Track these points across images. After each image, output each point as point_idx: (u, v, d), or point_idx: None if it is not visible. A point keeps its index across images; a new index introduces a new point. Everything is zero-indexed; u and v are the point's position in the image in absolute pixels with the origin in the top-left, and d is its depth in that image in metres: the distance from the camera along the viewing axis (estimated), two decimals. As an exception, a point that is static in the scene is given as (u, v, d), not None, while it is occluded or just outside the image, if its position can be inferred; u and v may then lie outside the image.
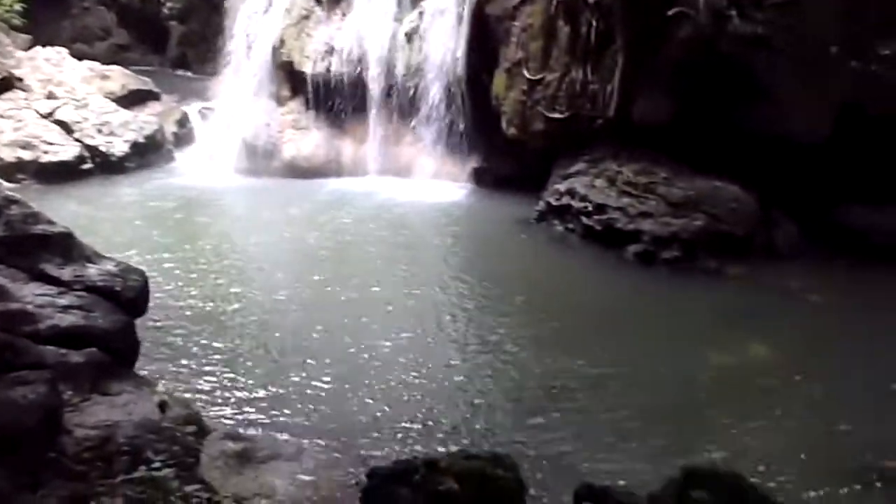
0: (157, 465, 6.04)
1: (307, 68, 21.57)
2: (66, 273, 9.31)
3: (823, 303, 14.41)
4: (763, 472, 9.10)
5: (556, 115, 18.75)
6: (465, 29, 20.34)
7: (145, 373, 9.67)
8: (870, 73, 16.88)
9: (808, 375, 11.68)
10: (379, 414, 10.25)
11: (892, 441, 9.95)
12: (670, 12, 16.41)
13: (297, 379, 10.97)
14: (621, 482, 8.66)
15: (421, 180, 20.78)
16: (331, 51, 21.43)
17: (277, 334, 12.22)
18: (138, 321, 9.67)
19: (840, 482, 9.16)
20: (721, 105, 16.86)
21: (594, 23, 18.06)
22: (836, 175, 17.29)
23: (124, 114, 21.82)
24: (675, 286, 14.94)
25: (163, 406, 7.68)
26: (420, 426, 10.03)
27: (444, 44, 20.58)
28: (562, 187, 17.65)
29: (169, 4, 32.09)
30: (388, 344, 12.13)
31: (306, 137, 21.54)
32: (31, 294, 8.71)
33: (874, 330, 13.24)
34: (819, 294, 14.68)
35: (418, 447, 9.44)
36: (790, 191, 17.13)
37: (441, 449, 9.21)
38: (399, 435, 9.82)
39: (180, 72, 31.55)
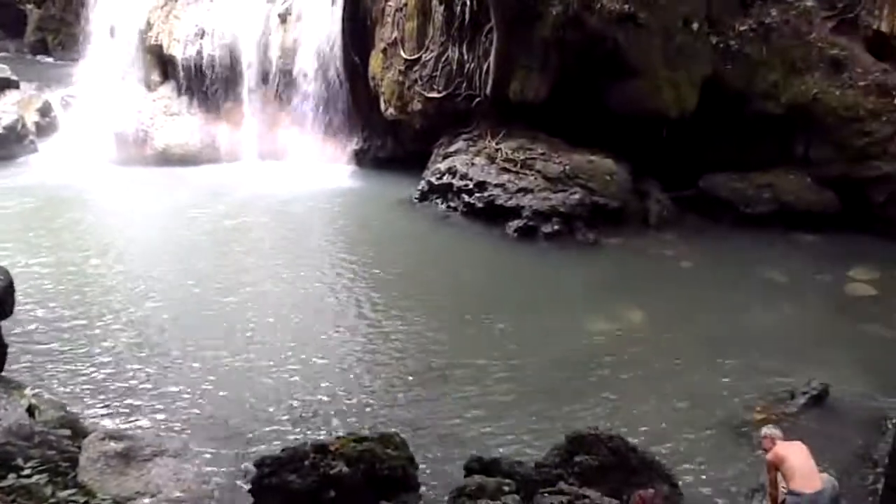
0: (28, 471, 5.74)
1: (177, 52, 20.83)
2: (-79, 275, 8.78)
3: (694, 268, 15.14)
4: (642, 433, 9.50)
5: (434, 95, 18.81)
6: (338, 9, 20.08)
7: (15, 377, 9.20)
8: (729, 49, 17.75)
9: (680, 337, 12.27)
10: (265, 403, 10.10)
11: (756, 390, 10.59)
12: (541, -9, 16.69)
13: (178, 374, 10.67)
14: (509, 452, 8.90)
15: (300, 164, 20.45)
16: (201, 33, 20.74)
17: (155, 331, 11.80)
18: (5, 323, 9.20)
19: (713, 434, 9.69)
20: (593, 82, 17.32)
21: (468, 2, 18.18)
22: (701, 147, 18.15)
23: (-20, 103, 20.52)
24: (555, 259, 15.33)
25: (34, 410, 7.32)
26: (308, 413, 9.95)
27: (318, 25, 20.27)
28: (442, 166, 17.78)
29: (24, -14, 30.30)
30: (271, 332, 11.96)
31: (179, 124, 20.82)
32: None
33: (738, 290, 14.06)
34: (689, 260, 15.41)
35: (307, 433, 9.37)
36: (661, 163, 17.85)
37: (330, 434, 9.16)
38: (287, 423, 9.72)
39: (40, 58, 29.86)
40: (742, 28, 17.86)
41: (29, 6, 31.14)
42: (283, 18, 20.59)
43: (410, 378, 10.91)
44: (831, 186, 17.13)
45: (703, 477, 8.87)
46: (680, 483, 8.22)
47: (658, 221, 17.06)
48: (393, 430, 8.62)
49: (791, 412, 10.10)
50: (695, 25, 17.38)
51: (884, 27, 17.99)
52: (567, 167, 16.69)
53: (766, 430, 8.03)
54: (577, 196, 16.24)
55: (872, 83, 17.27)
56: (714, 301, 13.58)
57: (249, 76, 20.83)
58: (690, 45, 17.36)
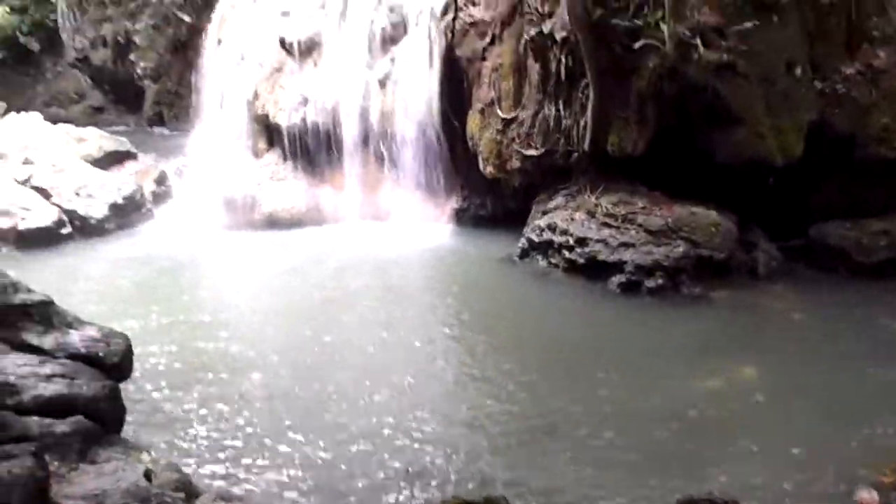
0: (146, 533, 5.98)
1: (282, 120, 21.70)
2: (48, 341, 9.30)
3: (807, 320, 14.53)
4: (758, 498, 9.08)
5: (532, 152, 18.92)
6: (436, 72, 20.57)
7: (133, 438, 9.57)
8: (835, 93, 17.24)
9: (797, 395, 11.73)
10: (375, 466, 10.14)
11: (882, 455, 9.97)
12: (636, 45, 16.68)
13: (287, 438, 10.83)
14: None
15: (401, 224, 20.84)
16: (305, 101, 21.58)
17: (268, 393, 12.06)
18: (124, 385, 9.62)
19: (826, 500, 9.15)
20: (693, 132, 17.10)
21: (563, 59, 18.33)
22: (810, 194, 17.58)
23: (102, 175, 21.80)
24: (660, 314, 15.00)
25: (151, 472, 7.60)
26: (414, 474, 9.93)
27: (417, 88, 20.79)
28: (542, 223, 17.75)
29: (143, 64, 32.26)
30: (376, 394, 12.04)
31: (285, 188, 21.59)
32: (12, 365, 8.66)
33: (858, 345, 13.36)
34: (802, 312, 14.81)
35: (414, 496, 9.36)
36: (767, 211, 17.36)
37: (438, 495, 9.12)
38: (393, 485, 9.72)
39: (157, 130, 31.67)
40: (848, 71, 17.34)
41: (147, 82, 33.12)
42: (383, 83, 21.21)
43: (515, 438, 10.78)
44: (954, 232, 16.27)
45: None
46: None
47: (767, 273, 16.50)
48: (499, 492, 8.52)
49: (922, 477, 9.48)
50: (798, 71, 16.97)
51: None
52: (669, 220, 16.40)
53: (863, 492, 7.37)
54: (680, 249, 15.91)
55: None
56: (831, 356, 12.95)
57: (350, 140, 21.47)
58: (794, 91, 16.94)
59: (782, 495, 9.31)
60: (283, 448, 10.52)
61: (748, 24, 16.45)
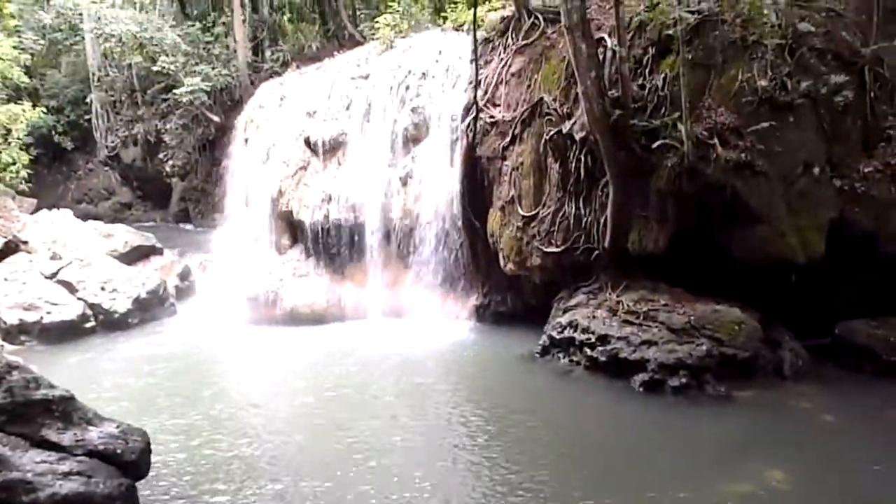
0: None
1: (306, 217, 22.08)
2: (67, 438, 9.26)
3: (837, 422, 14.17)
4: None
5: (553, 249, 19.03)
6: (457, 171, 20.96)
7: (148, 539, 9.39)
8: (855, 191, 17.32)
9: (828, 500, 11.36)
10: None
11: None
12: (654, 145, 16.95)
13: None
14: None
15: (422, 320, 20.86)
16: (328, 199, 22.00)
17: (286, 493, 11.88)
18: (141, 483, 9.51)
19: None
20: (714, 230, 17.17)
21: (582, 158, 18.64)
22: (834, 292, 17.45)
23: (127, 270, 22.18)
24: (684, 414, 14.71)
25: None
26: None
27: (438, 186, 21.16)
28: (563, 320, 17.69)
29: (171, 162, 33.21)
30: (399, 494, 11.80)
31: (307, 285, 21.79)
32: (30, 462, 8.63)
33: (888, 449, 12.97)
34: (830, 414, 14.47)
35: None
36: (792, 310, 17.20)
37: None
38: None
39: (182, 226, 32.28)
40: (867, 170, 17.47)
41: (174, 179, 34.00)
42: (405, 181, 21.61)
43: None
44: None
45: None
46: None
47: (793, 372, 16.23)
48: None
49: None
50: (816, 170, 17.12)
51: None
52: (692, 318, 16.29)
53: None
54: (704, 347, 15.74)
55: None
56: (863, 459, 12.56)
57: (372, 237, 21.76)
58: (813, 190, 17.04)
59: None
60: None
61: (764, 124, 16.72)
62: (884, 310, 16.84)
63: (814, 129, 17.38)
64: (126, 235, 24.08)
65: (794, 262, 16.63)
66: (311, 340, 19.84)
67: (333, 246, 22.04)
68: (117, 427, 9.74)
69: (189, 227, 31.98)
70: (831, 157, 17.56)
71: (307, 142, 22.82)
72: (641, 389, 15.59)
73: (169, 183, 34.01)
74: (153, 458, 10.32)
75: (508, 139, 20.34)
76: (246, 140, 24.45)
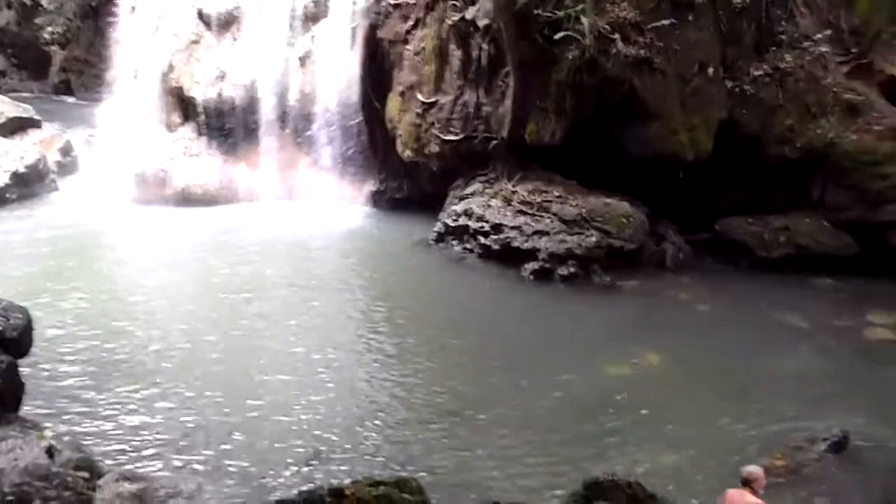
0: (46, 512, 5.77)
1: (198, 94, 21.14)
2: (-58, 314, 8.86)
3: (711, 311, 15.08)
4: (660, 479, 9.35)
5: (451, 137, 18.97)
6: (358, 53, 20.39)
7: (32, 416, 9.21)
8: (744, 94, 17.86)
9: (698, 382, 12.18)
10: (280, 447, 10.05)
11: (775, 437, 10.45)
12: (557, 36, 16.88)
13: (194, 418, 10.64)
14: (526, 498, 8.81)
15: (317, 204, 20.62)
16: (222, 76, 21.07)
17: (171, 374, 11.78)
18: (23, 362, 9.25)
19: (731, 481, 9.47)
20: (610, 125, 17.45)
21: (485, 46, 18.43)
22: (717, 190, 18.19)
23: (3, 143, 20.86)
24: (571, 301, 15.30)
25: (51, 450, 7.33)
26: (323, 457, 9.89)
27: (337, 68, 20.56)
28: (459, 208, 17.85)
29: (50, 29, 30.94)
30: (285, 376, 11.93)
31: (198, 164, 21.05)
32: None
33: (755, 336, 13.95)
34: (706, 303, 15.37)
35: (323, 477, 9.31)
36: (677, 205, 17.88)
37: (346, 478, 9.10)
38: (302, 467, 9.66)
39: (64, 98, 30.41)
40: (757, 73, 17.99)
41: (53, 48, 31.76)
42: (303, 62, 20.90)
43: (426, 422, 10.86)
44: (848, 230, 17.08)
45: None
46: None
47: (674, 264, 17.05)
48: (409, 474, 8.57)
49: (811, 459, 9.96)
50: (710, 70, 17.51)
51: (898, 72, 18.14)
52: (583, 210, 16.73)
53: (751, 468, 7.39)
54: (593, 239, 16.25)
55: (889, 128, 17.30)
56: (731, 345, 13.48)
57: (267, 118, 21.09)
58: (706, 90, 17.48)
59: (682, 473, 9.66)
60: (188, 429, 10.34)
61: (665, 22, 16.88)
62: (761, 209, 17.73)
63: (711, 29, 17.69)
64: (1, 105, 22.53)
65: (683, 160, 17.18)
66: (201, 222, 19.36)
67: (227, 125, 21.26)
68: (-3, 304, 9.34)
69: (71, 100, 30.10)
70: (725, 58, 17.98)
71: (200, 14, 21.62)
72: (532, 277, 16.06)
73: (47, 51, 31.80)
74: (35, 339, 10.02)
75: (411, 23, 19.85)
76: (133, 8, 22.91)
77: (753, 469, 7.25)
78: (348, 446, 10.16)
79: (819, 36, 18.27)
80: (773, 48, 18.30)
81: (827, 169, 17.38)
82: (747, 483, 6.99)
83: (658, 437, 10.55)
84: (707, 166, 17.43)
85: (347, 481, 8.31)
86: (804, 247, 17.01)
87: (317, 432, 10.41)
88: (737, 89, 17.80)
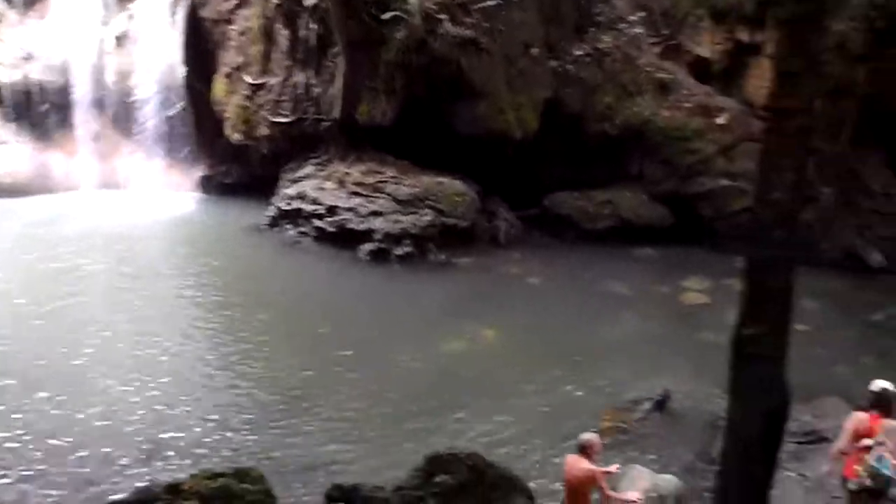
0: None
1: (2, 76, 19.57)
2: None
3: (541, 284, 15.63)
4: (500, 449, 9.66)
5: (281, 119, 18.62)
6: (179, 32, 19.54)
7: None
8: (567, 73, 18.57)
9: (531, 352, 12.59)
10: (112, 444, 9.55)
11: (604, 400, 10.99)
12: (385, 16, 16.86)
13: (16, 421, 9.92)
14: (369, 477, 8.82)
15: (143, 192, 19.67)
16: (29, 57, 19.62)
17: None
18: None
19: (566, 445, 9.86)
20: (440, 105, 17.66)
21: (313, 26, 18.15)
22: (545, 167, 18.85)
23: None
24: (408, 280, 15.43)
25: None
26: (158, 451, 9.50)
27: (158, 48, 19.63)
28: (292, 191, 17.57)
29: None
30: (115, 370, 11.34)
31: (7, 152, 19.52)
32: None
33: (585, 305, 14.62)
34: (537, 277, 15.91)
35: (158, 473, 8.95)
36: (507, 183, 18.38)
37: (183, 472, 8.78)
38: (137, 463, 9.24)
39: None
40: (578, 53, 18.75)
41: None
42: (119, 41, 19.80)
43: (265, 407, 10.64)
44: (665, 202, 18.19)
45: (560, 487, 9.08)
46: (537, 495, 8.40)
47: (506, 240, 17.56)
48: (250, 463, 8.39)
49: (637, 419, 10.57)
50: (534, 51, 18.07)
51: (704, 53, 19.41)
52: (417, 189, 16.89)
53: (587, 436, 7.60)
54: (427, 218, 16.45)
55: (697, 105, 18.53)
56: (562, 315, 14.05)
57: (82, 102, 19.87)
58: (531, 70, 18.04)
59: (520, 444, 9.98)
60: (8, 435, 9.62)
61: (491, 2, 17.24)
62: (586, 184, 18.53)
63: (535, 10, 18.24)
64: None
65: (511, 138, 17.68)
66: (12, 212, 18.00)
67: (37, 110, 19.81)
68: None
69: None
70: (548, 38, 18.61)
71: (0, -11, 20.02)
72: (368, 258, 16.07)
73: None
74: None
75: (235, 1, 19.26)
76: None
77: (588, 436, 7.56)
78: (187, 439, 9.80)
79: (633, 18, 19.29)
80: (592, 29, 19.13)
81: (644, 145, 18.41)
82: (583, 450, 7.30)
83: (497, 408, 10.83)
84: (534, 144, 18.02)
85: (184, 476, 8.04)
86: (626, 219, 17.97)
87: (152, 429, 9.97)
88: (560, 69, 18.49)
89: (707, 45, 19.44)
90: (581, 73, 18.50)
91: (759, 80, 17.46)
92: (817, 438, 9.73)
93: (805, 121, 4.52)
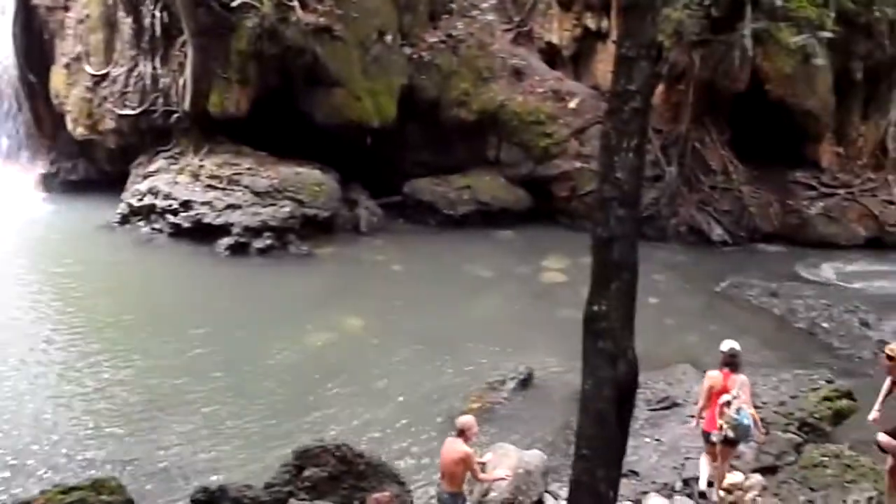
0: None
1: None
2: None
3: (405, 271, 15.73)
4: (369, 437, 9.67)
5: (128, 112, 17.83)
6: (9, 20, 18.32)
7: None
8: (422, 60, 18.68)
9: (397, 339, 12.62)
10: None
11: (472, 381, 11.19)
12: (234, 3, 16.42)
13: None
14: (237, 476, 8.64)
15: (-24, 193, 18.40)
16: None
17: None
18: None
19: (435, 429, 10.02)
20: (296, 94, 17.38)
21: (157, 14, 17.43)
22: (405, 154, 18.94)
23: None
24: (270, 273, 15.16)
25: None
26: (7, 467, 8.93)
27: (-14, 38, 18.38)
28: (143, 187, 16.88)
29: None
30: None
31: None
32: None
33: (448, 288, 14.83)
34: (401, 264, 16.00)
35: (8, 491, 8.42)
36: (368, 171, 18.35)
37: (35, 488, 8.29)
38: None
39: None
40: (433, 40, 18.90)
41: None
42: (-59, 30, 18.39)
43: (124, 412, 10.19)
44: (522, 185, 18.67)
45: (431, 471, 9.19)
46: (408, 480, 8.46)
47: (369, 228, 17.55)
48: (108, 472, 8.04)
49: (503, 397, 10.82)
50: (388, 38, 18.06)
51: (554, 39, 19.99)
52: (275, 180, 16.60)
53: (461, 419, 7.76)
54: (287, 209, 16.20)
55: (549, 90, 19.07)
56: (426, 300, 14.19)
57: None
58: (386, 57, 18.03)
59: (392, 430, 10.01)
60: None
61: (343, -11, 17.10)
62: (446, 169, 18.76)
63: (387, -2, 18.24)
64: None
65: (369, 126, 17.64)
66: None
67: None
68: None
69: None
70: (402, 25, 18.64)
71: None
72: (227, 253, 15.66)
73: None
74: None
75: (71, -13, 18.23)
76: None
77: (465, 419, 7.67)
78: (36, 452, 9.25)
79: (485, 4, 19.63)
80: (446, 16, 19.33)
81: (500, 129, 18.79)
82: (461, 433, 7.41)
83: (367, 396, 10.83)
84: (393, 131, 18.06)
85: (36, 492, 7.62)
86: (485, 203, 18.31)
87: (6, 441, 9.35)
88: (415, 56, 18.59)
89: (557, 31, 20.04)
90: (436, 60, 18.67)
91: (606, 64, 18.14)
92: (671, 404, 10.28)
93: (642, 103, 4.72)
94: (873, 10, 17.86)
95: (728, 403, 7.82)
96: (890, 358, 7.68)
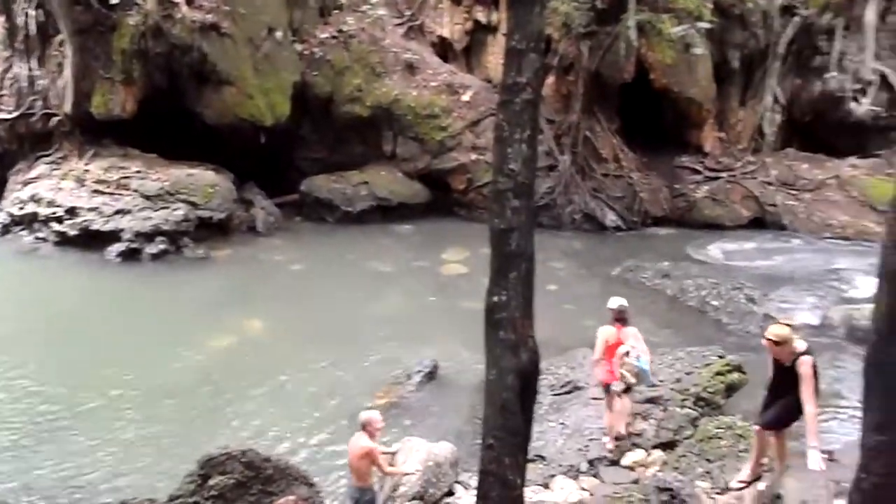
0: None
1: None
2: None
3: (305, 270, 15.54)
4: (276, 441, 9.52)
5: (3, 116, 16.99)
6: None
7: None
8: (314, 56, 18.47)
9: (300, 339, 12.46)
10: None
11: (377, 377, 11.14)
12: (114, 1, 15.84)
13: None
14: (140, 492, 8.37)
15: None
16: None
17: None
18: None
19: (342, 427, 9.89)
20: (184, 93, 16.92)
21: (32, 12, 16.67)
22: (300, 151, 18.73)
23: None
24: (164, 279, 14.73)
25: None
26: None
27: None
28: (24, 194, 16.13)
29: None
30: None
31: None
32: None
33: (349, 285, 14.73)
34: (300, 263, 15.80)
35: None
36: (263, 170, 18.03)
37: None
38: None
39: None
40: (324, 36, 18.74)
41: None
42: None
43: (23, 430, 9.71)
44: (420, 179, 18.75)
45: (340, 472, 9.12)
46: (317, 481, 8.37)
47: (266, 228, 17.27)
48: (8, 494, 7.65)
49: (409, 391, 10.84)
50: (279, 34, 17.79)
51: (445, 33, 20.12)
52: (166, 183, 16.13)
53: (367, 414, 7.75)
54: (180, 212, 15.76)
55: (442, 83, 19.18)
56: (327, 298, 14.08)
57: None
58: (277, 54, 17.77)
59: (299, 431, 9.86)
60: None
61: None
62: (343, 166, 18.63)
63: (275, -5, 17.95)
64: None
65: (262, 124, 17.33)
66: None
67: None
68: None
69: None
70: (292, 21, 18.41)
71: None
72: (119, 259, 15.14)
73: None
74: None
75: (-65, -15, 17.19)
76: None
77: (367, 415, 7.65)
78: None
79: (375, 0, 19.53)
80: (336, 11, 19.19)
81: (395, 124, 18.80)
82: (364, 427, 7.38)
83: (272, 399, 10.66)
84: (287, 129, 17.83)
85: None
86: (383, 198, 18.28)
87: None
88: (307, 52, 18.39)
89: (448, 25, 20.17)
90: (328, 56, 18.53)
91: (498, 57, 18.35)
92: (573, 388, 10.51)
93: (533, 95, 4.80)
94: (747, 1, 18.74)
95: (627, 353, 8.52)
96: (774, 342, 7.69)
